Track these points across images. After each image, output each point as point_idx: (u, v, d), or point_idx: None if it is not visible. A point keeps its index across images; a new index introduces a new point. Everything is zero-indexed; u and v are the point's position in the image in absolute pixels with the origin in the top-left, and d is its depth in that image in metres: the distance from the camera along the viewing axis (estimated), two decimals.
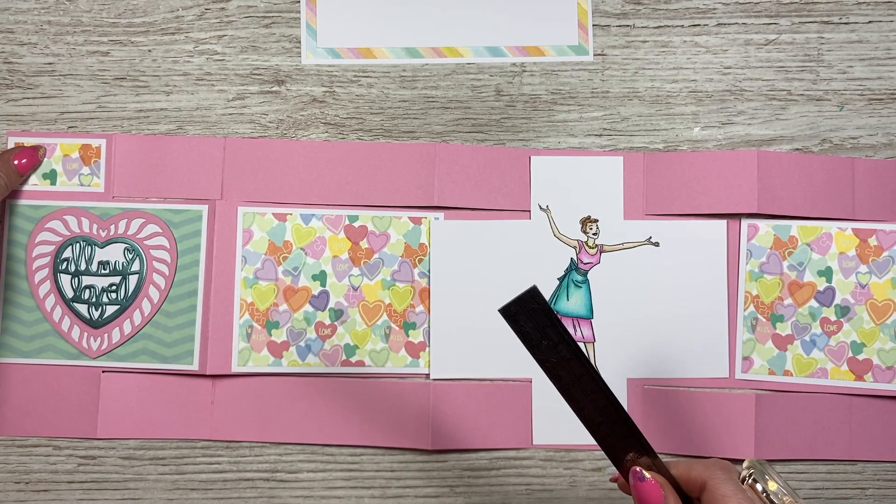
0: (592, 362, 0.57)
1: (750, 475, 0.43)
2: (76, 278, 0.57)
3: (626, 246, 0.58)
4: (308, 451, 0.57)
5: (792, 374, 0.57)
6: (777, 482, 0.43)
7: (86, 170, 0.58)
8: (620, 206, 0.58)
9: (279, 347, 0.57)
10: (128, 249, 0.57)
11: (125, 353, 0.57)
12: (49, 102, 0.59)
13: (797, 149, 0.59)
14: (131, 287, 0.57)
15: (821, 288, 0.57)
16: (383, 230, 0.58)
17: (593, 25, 0.60)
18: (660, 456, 0.44)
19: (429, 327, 0.57)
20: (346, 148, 0.58)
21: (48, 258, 0.57)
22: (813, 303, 0.57)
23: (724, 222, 0.58)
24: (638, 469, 0.44)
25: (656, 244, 0.58)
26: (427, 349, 0.57)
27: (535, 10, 0.60)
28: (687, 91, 0.59)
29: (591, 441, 0.57)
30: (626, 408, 0.57)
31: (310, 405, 0.57)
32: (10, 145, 0.58)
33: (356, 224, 0.58)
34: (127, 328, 0.57)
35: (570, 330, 0.57)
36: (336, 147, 0.58)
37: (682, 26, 0.60)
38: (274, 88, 0.59)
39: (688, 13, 0.60)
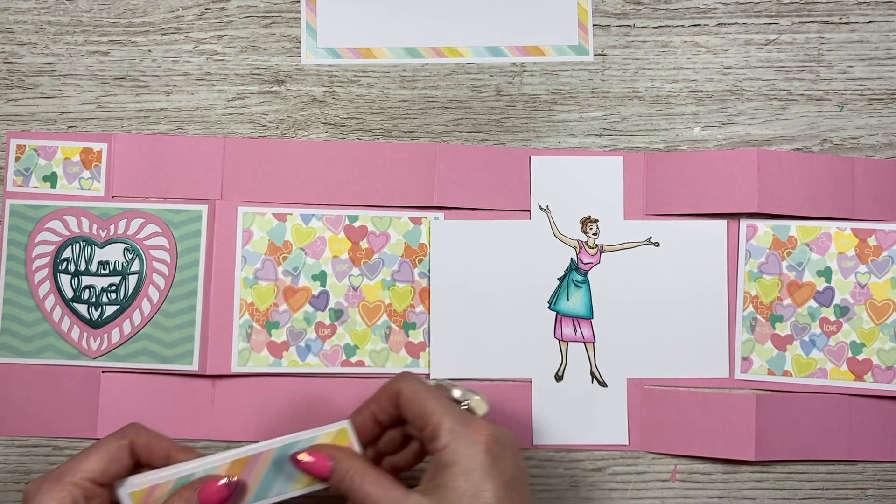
0: (593, 362, 0.57)
1: (435, 384, 0.46)
2: (76, 278, 0.57)
3: (626, 246, 0.58)
4: None
5: (791, 375, 0.57)
6: (459, 389, 0.47)
7: (86, 174, 0.58)
8: (620, 206, 0.58)
9: (279, 347, 0.57)
10: (127, 249, 0.57)
11: (125, 354, 0.57)
12: (49, 102, 0.59)
13: (797, 149, 0.59)
14: (131, 287, 0.57)
15: (820, 288, 0.57)
16: (383, 230, 0.58)
17: (593, 25, 0.60)
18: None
19: (429, 327, 0.57)
20: (346, 148, 0.58)
21: (48, 258, 0.57)
22: (812, 303, 0.57)
23: (724, 222, 0.58)
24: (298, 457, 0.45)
25: (656, 244, 0.58)
26: (427, 349, 0.57)
27: (535, 10, 0.60)
28: (687, 91, 0.59)
29: (591, 441, 0.57)
30: (626, 408, 0.57)
31: (310, 405, 0.57)
32: (11, 146, 0.58)
33: (356, 224, 0.58)
34: (127, 328, 0.57)
35: (570, 330, 0.57)
36: (336, 147, 0.58)
37: (682, 26, 0.60)
38: (274, 88, 0.59)
39: (688, 13, 0.60)
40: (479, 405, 0.47)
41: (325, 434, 0.46)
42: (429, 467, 0.44)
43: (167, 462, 0.46)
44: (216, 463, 0.45)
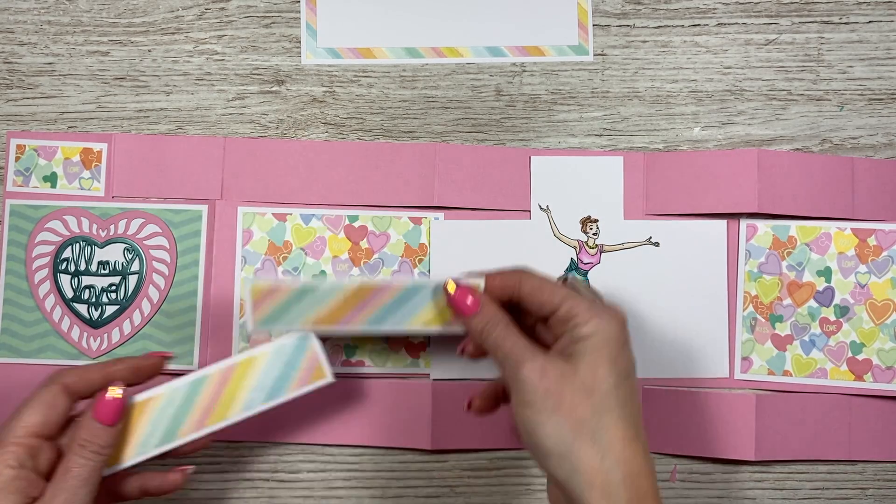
0: None
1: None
2: (76, 278, 0.57)
3: (626, 246, 0.58)
4: (308, 451, 0.57)
5: (791, 375, 0.57)
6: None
7: (86, 174, 0.58)
8: (620, 206, 0.58)
9: None
10: (127, 249, 0.57)
11: (125, 353, 0.57)
12: (49, 102, 0.59)
13: (797, 149, 0.59)
14: (131, 287, 0.57)
15: (820, 288, 0.57)
16: (383, 230, 0.58)
17: (593, 25, 0.60)
18: None
19: None
20: (346, 148, 0.58)
21: (48, 258, 0.57)
22: (812, 303, 0.57)
23: (724, 222, 0.58)
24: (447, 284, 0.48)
25: (656, 244, 0.58)
26: (427, 349, 0.57)
27: (535, 10, 0.60)
28: (687, 91, 0.59)
29: None
30: None
31: (310, 405, 0.57)
32: (11, 146, 0.58)
33: (356, 224, 0.58)
34: (127, 328, 0.57)
35: None
36: (336, 147, 0.58)
37: (682, 26, 0.60)
38: (274, 88, 0.59)
39: (688, 13, 0.60)
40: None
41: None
42: (556, 345, 0.45)
43: (105, 387, 0.46)
44: (344, 283, 0.49)
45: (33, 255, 0.57)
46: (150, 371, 0.48)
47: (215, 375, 0.48)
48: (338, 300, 0.49)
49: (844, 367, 0.56)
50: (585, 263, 0.58)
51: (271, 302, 0.48)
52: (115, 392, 0.45)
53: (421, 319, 0.49)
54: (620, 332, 0.45)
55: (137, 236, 0.58)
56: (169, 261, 0.57)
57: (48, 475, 0.44)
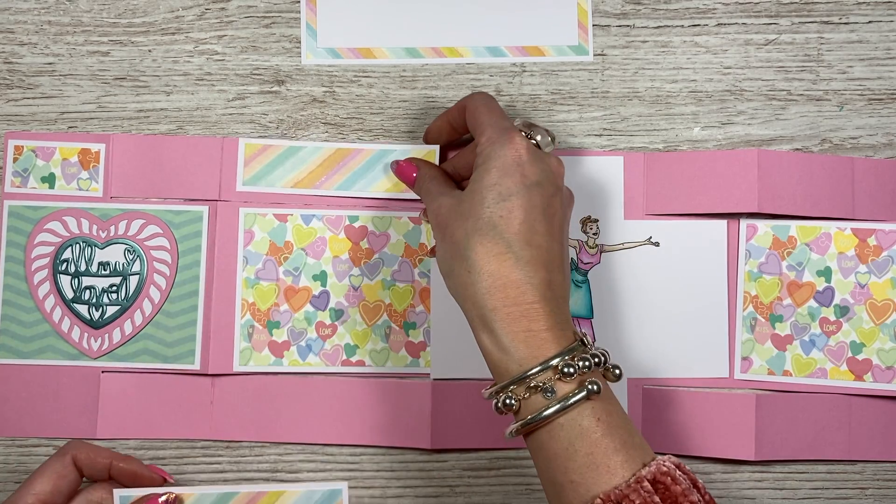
0: None
1: (521, 122, 0.50)
2: (76, 279, 0.57)
3: (626, 246, 0.58)
4: (308, 451, 0.57)
5: (791, 375, 0.57)
6: (532, 124, 0.50)
7: (84, 174, 0.58)
8: (620, 206, 0.58)
9: (280, 347, 0.57)
10: (128, 250, 0.57)
11: (126, 354, 0.57)
12: (49, 102, 0.59)
13: (797, 149, 0.59)
14: (132, 287, 0.57)
15: (820, 288, 0.57)
16: (383, 230, 0.58)
17: (593, 25, 0.60)
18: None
19: (429, 327, 0.57)
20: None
21: (48, 259, 0.57)
22: (812, 303, 0.57)
23: (724, 222, 0.58)
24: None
25: (656, 244, 0.58)
26: (427, 349, 0.57)
27: (535, 10, 0.60)
28: (687, 91, 0.59)
29: None
30: (626, 408, 0.57)
31: (310, 405, 0.57)
32: (9, 147, 0.58)
33: (356, 224, 0.58)
34: (128, 328, 0.57)
35: None
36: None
37: (682, 26, 0.60)
38: (274, 88, 0.59)
39: (688, 13, 0.60)
40: (544, 140, 0.49)
41: (417, 150, 0.56)
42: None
43: (109, 472, 0.48)
44: (324, 145, 0.57)
45: (32, 255, 0.57)
46: (147, 483, 0.49)
47: (244, 496, 0.49)
48: (316, 162, 0.56)
49: (844, 367, 0.56)
50: (585, 263, 0.58)
51: (261, 160, 0.56)
52: (167, 498, 0.47)
53: (382, 187, 0.57)
54: (507, 160, 0.46)
55: (138, 237, 0.57)
56: (170, 261, 0.57)
57: None
